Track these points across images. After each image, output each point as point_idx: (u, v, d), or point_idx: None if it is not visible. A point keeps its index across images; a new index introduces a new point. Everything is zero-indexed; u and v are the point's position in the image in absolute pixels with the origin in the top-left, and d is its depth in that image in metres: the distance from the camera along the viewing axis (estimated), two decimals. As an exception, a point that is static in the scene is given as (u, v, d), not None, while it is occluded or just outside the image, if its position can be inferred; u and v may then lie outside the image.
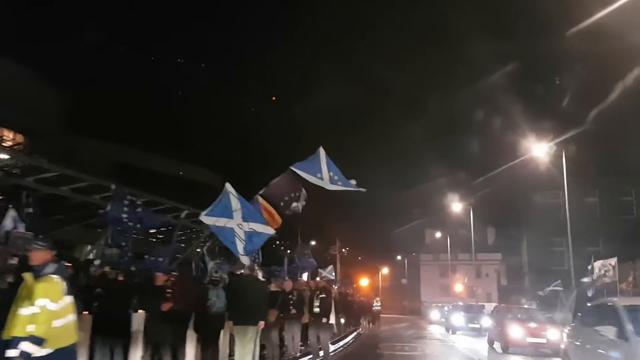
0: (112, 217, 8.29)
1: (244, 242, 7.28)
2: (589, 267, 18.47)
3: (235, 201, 7.27)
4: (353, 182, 8.35)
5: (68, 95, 27.34)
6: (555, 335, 13.24)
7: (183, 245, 18.76)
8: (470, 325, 22.39)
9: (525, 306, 21.19)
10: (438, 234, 55.43)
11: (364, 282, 40.38)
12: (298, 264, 14.09)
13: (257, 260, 12.81)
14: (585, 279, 17.67)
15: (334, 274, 25.47)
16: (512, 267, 40.97)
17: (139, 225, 7.72)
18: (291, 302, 8.96)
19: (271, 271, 15.40)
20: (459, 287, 46.05)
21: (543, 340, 13.70)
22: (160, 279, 6.98)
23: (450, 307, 30.44)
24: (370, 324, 22.99)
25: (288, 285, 9.39)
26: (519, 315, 15.83)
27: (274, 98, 49.43)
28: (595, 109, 27.63)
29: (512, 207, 38.37)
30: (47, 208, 12.32)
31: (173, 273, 7.43)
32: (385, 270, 72.16)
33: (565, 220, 31.68)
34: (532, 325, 14.45)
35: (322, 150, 8.22)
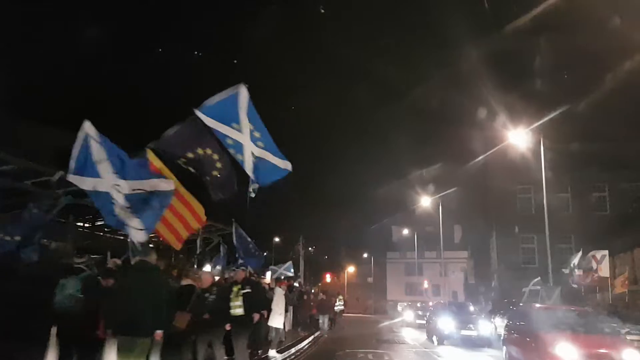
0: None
1: (129, 211, 4.81)
2: (574, 261, 16.86)
3: (97, 148, 4.72)
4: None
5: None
6: (635, 358, 8.38)
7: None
8: (463, 333, 15.94)
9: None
10: (405, 231, 54.10)
11: (327, 278, 37.77)
12: (242, 259, 11.40)
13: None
14: (577, 272, 15.88)
15: (292, 270, 23.40)
16: (480, 264, 39.86)
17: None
18: (206, 302, 6.45)
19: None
20: (425, 284, 44.62)
21: None
22: None
23: (433, 306, 23.55)
24: (331, 326, 20.37)
25: (207, 279, 6.82)
26: (570, 324, 9.53)
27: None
28: (571, 101, 26.43)
29: (482, 203, 37.23)
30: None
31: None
32: (351, 269, 70.75)
33: (537, 216, 30.61)
34: (595, 341, 8.86)
35: (243, 90, 5.27)
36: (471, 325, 16.10)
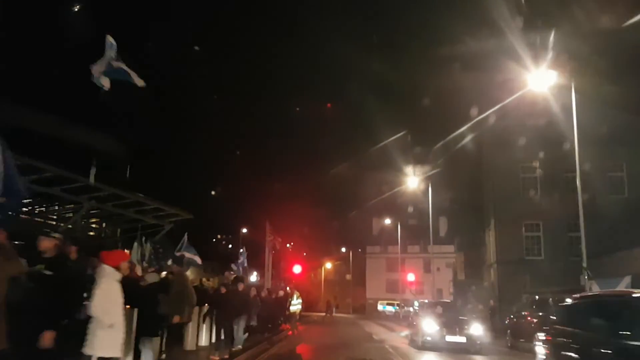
0: None
1: None
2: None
3: None
4: None
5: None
6: None
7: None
8: None
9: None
10: (387, 221, 49.10)
11: (295, 269, 32.23)
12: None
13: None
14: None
15: (246, 264, 18.59)
16: (471, 258, 35.21)
17: None
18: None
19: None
20: (411, 277, 39.42)
21: None
22: None
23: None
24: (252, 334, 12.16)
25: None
26: None
27: (329, 105, 41.16)
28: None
29: (475, 187, 32.41)
30: None
31: None
32: (328, 265, 66.14)
33: (542, 199, 25.75)
34: None
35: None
36: None
